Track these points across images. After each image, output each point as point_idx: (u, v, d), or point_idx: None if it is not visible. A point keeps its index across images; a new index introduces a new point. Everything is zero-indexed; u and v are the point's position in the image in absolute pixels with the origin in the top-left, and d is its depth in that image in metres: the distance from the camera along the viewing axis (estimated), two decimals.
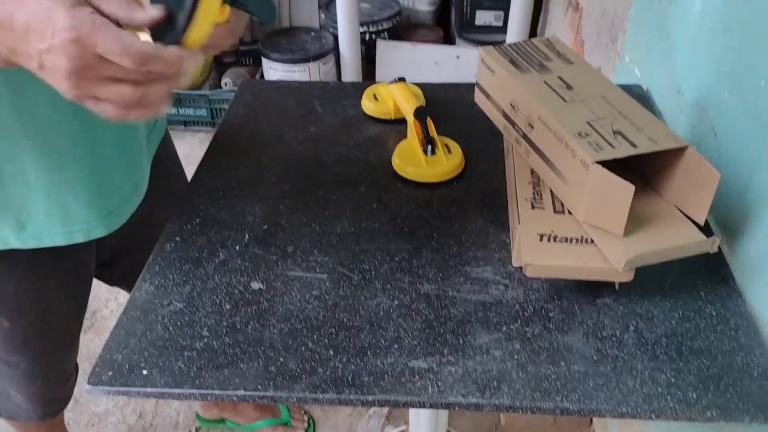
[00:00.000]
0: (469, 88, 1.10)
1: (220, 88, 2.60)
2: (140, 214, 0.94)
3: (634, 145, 0.69)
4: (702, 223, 0.71)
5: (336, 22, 2.42)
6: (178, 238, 0.82)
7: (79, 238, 0.85)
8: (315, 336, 0.69)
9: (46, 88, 0.67)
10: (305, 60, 2.52)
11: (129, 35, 0.50)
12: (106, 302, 1.92)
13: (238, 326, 0.70)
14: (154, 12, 0.51)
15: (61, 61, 0.50)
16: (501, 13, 2.60)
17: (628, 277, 0.68)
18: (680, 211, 0.73)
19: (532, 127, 0.78)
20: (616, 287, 0.73)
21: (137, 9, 0.51)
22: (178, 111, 2.56)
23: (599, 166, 0.65)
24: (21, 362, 0.95)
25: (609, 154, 0.67)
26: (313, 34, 2.68)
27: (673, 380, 0.63)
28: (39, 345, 0.96)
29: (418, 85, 1.10)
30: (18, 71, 0.57)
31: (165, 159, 1.03)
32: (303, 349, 0.67)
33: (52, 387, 1.04)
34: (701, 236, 0.69)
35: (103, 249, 0.97)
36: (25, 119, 0.73)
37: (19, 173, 0.78)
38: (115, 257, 1.00)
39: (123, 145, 0.87)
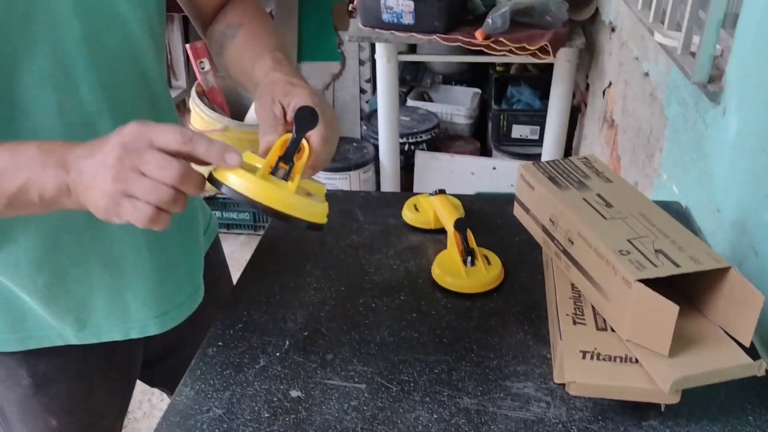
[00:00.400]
0: (508, 200, 1.13)
1: None
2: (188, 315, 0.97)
3: (676, 265, 0.69)
4: (747, 344, 0.69)
5: (377, 133, 2.52)
6: (220, 343, 0.83)
7: (134, 334, 0.88)
8: None
9: None
10: (346, 169, 2.61)
11: (178, 126, 0.57)
12: (140, 403, 1.91)
13: None
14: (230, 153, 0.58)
15: (115, 148, 0.56)
16: (537, 128, 2.67)
17: (675, 399, 0.67)
18: (724, 331, 0.72)
19: (572, 243, 0.79)
20: (662, 409, 0.71)
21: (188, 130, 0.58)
22: (221, 214, 2.65)
23: (642, 285, 0.66)
24: None
25: (651, 273, 0.67)
26: (354, 144, 2.79)
27: None
28: None
29: (457, 196, 1.13)
30: None
31: (214, 262, 1.06)
32: None
33: None
34: (747, 359, 0.67)
35: (149, 348, 0.98)
36: (97, 227, 0.78)
37: (84, 276, 0.82)
38: (160, 357, 1.01)
39: (186, 247, 0.91)
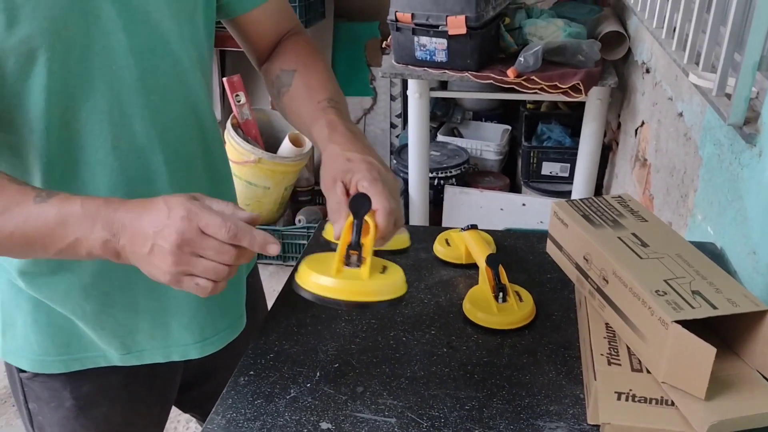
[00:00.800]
0: (539, 237, 1.13)
1: (294, 224, 2.71)
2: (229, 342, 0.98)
3: (714, 307, 0.68)
4: None
5: (407, 167, 2.54)
6: (252, 372, 0.83)
7: (176, 357, 0.90)
8: None
9: (156, 194, 0.75)
10: None
11: (226, 215, 0.62)
12: (176, 427, 1.92)
13: None
14: (254, 215, 0.64)
15: (171, 236, 0.61)
16: (567, 165, 2.67)
17: None
18: (762, 375, 0.70)
19: (607, 282, 0.79)
20: None
21: (238, 209, 0.64)
22: None
23: (679, 326, 0.65)
24: None
25: (689, 314, 0.67)
26: None
27: None
28: None
29: (489, 232, 1.13)
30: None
31: (252, 291, 1.07)
32: None
33: None
34: None
35: (185, 373, 1.00)
36: None
37: (131, 303, 0.84)
38: (195, 382, 1.02)
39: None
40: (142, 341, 0.87)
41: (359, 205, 0.65)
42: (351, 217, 0.66)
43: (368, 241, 0.66)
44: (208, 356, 0.93)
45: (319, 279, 0.64)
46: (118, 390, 0.89)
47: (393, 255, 0.73)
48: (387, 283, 0.65)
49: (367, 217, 0.67)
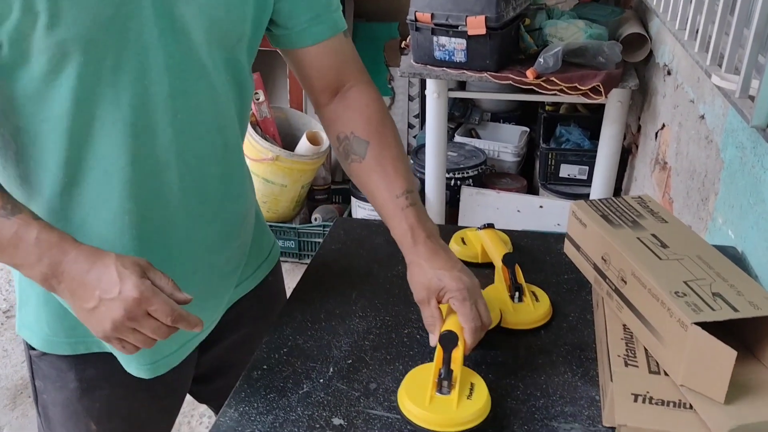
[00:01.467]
0: (557, 238, 1.12)
1: (310, 222, 2.71)
2: (242, 337, 0.98)
3: (734, 309, 0.67)
4: None
5: (423, 167, 2.53)
6: (265, 366, 0.83)
7: (162, 371, 0.90)
8: None
9: (165, 208, 0.75)
10: None
11: (172, 301, 0.70)
12: (179, 426, 1.93)
13: None
14: (188, 296, 0.72)
15: (118, 311, 0.68)
16: (585, 168, 2.65)
17: None
18: None
19: (625, 282, 0.78)
20: None
21: (177, 291, 0.71)
22: None
23: (699, 328, 0.64)
24: None
25: (709, 316, 0.65)
26: None
27: None
28: None
29: (506, 231, 1.12)
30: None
31: (272, 288, 1.07)
32: None
33: None
34: None
35: (201, 366, 1.00)
36: (153, 238, 0.81)
37: None
38: (212, 375, 1.02)
39: (223, 275, 0.93)
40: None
41: (448, 341, 0.74)
42: (441, 350, 0.74)
43: (457, 366, 0.74)
44: (224, 352, 0.93)
45: (414, 408, 0.72)
46: (122, 375, 0.89)
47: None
48: (473, 411, 0.71)
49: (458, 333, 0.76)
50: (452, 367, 0.74)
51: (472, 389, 0.73)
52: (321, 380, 0.81)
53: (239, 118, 0.88)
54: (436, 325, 0.80)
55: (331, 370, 0.83)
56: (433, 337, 0.80)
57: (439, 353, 0.74)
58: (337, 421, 0.75)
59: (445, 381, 0.73)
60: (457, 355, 0.74)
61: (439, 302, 0.81)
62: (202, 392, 1.07)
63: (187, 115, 0.78)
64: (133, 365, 0.88)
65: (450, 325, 0.78)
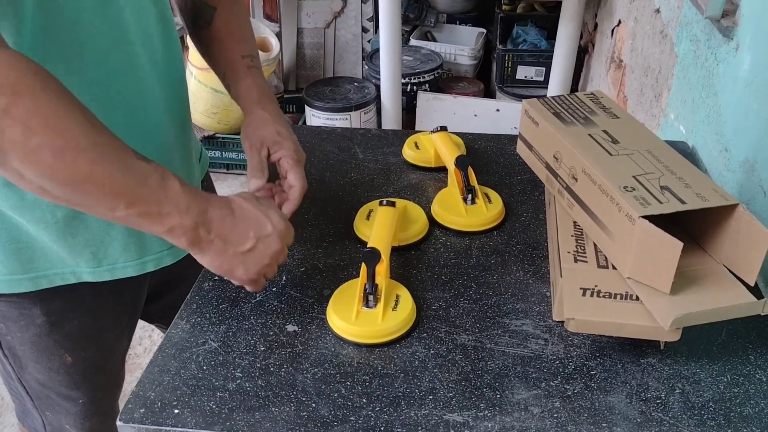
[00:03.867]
0: (510, 139, 1.10)
1: None
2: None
3: (682, 201, 0.67)
4: (752, 283, 0.68)
5: (379, 73, 2.47)
6: (216, 278, 0.82)
7: (150, 267, 0.87)
8: (348, 382, 0.67)
9: (125, 117, 0.71)
10: (347, 109, 2.56)
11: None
12: (140, 340, 1.93)
13: (272, 368, 0.69)
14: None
15: (275, 244, 0.71)
16: (542, 69, 2.62)
17: (675, 336, 0.66)
18: (729, 270, 0.70)
19: (576, 180, 0.77)
20: (662, 347, 0.71)
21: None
22: (221, 154, 2.62)
23: (646, 221, 0.64)
24: (80, 397, 0.96)
25: (656, 209, 0.65)
26: (355, 84, 2.73)
27: None
28: (98, 380, 0.97)
29: (459, 135, 1.10)
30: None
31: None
32: (335, 395, 0.66)
33: (105, 423, 1.04)
34: (751, 297, 0.66)
35: (151, 283, 0.98)
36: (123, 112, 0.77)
37: None
38: (160, 293, 1.01)
39: (188, 177, 0.90)
40: (115, 253, 0.83)
41: (371, 257, 0.74)
42: (365, 266, 0.75)
43: (381, 282, 0.75)
44: (172, 265, 0.91)
45: (340, 323, 0.73)
46: (89, 304, 0.87)
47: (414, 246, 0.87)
48: (398, 322, 0.73)
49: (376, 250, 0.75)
50: (377, 281, 0.75)
51: (397, 301, 0.75)
52: (274, 289, 0.80)
53: None
54: (263, 172, 0.80)
55: (284, 278, 0.82)
56: (254, 182, 0.80)
57: (363, 269, 0.75)
58: (291, 327, 0.75)
59: (370, 295, 0.74)
60: (381, 269, 0.75)
61: (267, 157, 0.82)
62: (152, 312, 1.05)
63: None
64: (120, 264, 0.86)
65: (374, 242, 0.78)
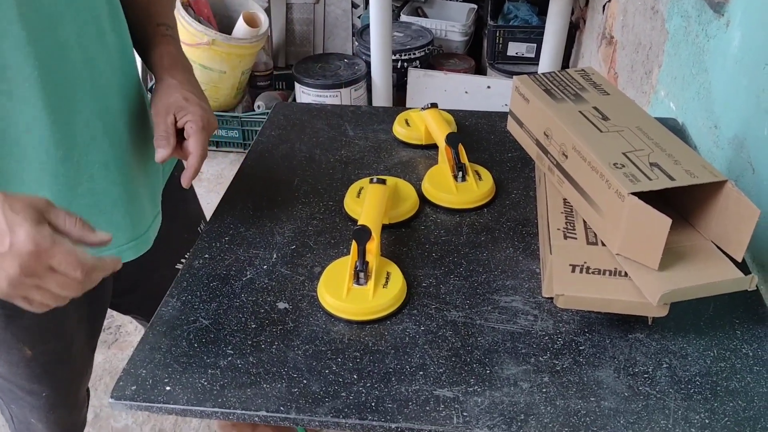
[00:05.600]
0: (501, 116, 1.10)
1: (253, 110, 2.63)
2: (161, 235, 0.93)
3: (671, 178, 0.67)
4: (740, 259, 0.69)
5: (369, 49, 2.45)
6: (206, 255, 0.82)
7: None
8: (339, 359, 0.68)
9: (85, 109, 0.68)
10: (337, 86, 2.54)
11: (81, 251, 0.58)
12: (131, 318, 1.93)
13: (263, 346, 0.69)
14: (104, 235, 0.61)
15: (12, 267, 0.56)
16: (533, 45, 2.60)
17: (663, 312, 0.66)
18: (717, 246, 0.71)
19: (566, 157, 0.77)
20: (650, 322, 0.71)
21: (89, 231, 0.60)
22: None
23: (635, 198, 0.64)
24: (43, 390, 0.94)
25: (645, 186, 0.66)
26: (346, 60, 2.71)
27: (707, 421, 0.61)
28: (60, 372, 0.95)
29: (450, 111, 1.10)
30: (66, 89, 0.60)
31: (179, 184, 1.03)
32: (327, 371, 0.66)
33: (72, 413, 1.03)
34: (739, 273, 0.67)
35: (119, 277, 0.96)
36: (65, 143, 0.75)
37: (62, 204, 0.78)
38: (131, 285, 0.98)
39: (146, 170, 0.88)
40: None
41: (362, 235, 0.74)
42: (356, 244, 0.75)
43: (372, 259, 0.75)
44: (140, 258, 0.89)
45: (332, 300, 0.73)
46: None
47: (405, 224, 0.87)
48: (388, 299, 0.73)
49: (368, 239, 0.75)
50: (367, 258, 0.75)
51: (388, 278, 0.76)
52: (264, 267, 0.80)
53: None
54: (169, 140, 0.77)
55: (275, 256, 0.82)
56: (162, 152, 0.76)
57: (354, 247, 0.75)
58: (281, 305, 0.75)
59: (361, 273, 0.74)
60: (371, 247, 0.75)
61: (174, 123, 0.78)
62: (123, 303, 1.03)
63: None
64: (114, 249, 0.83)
65: (364, 219, 0.78)
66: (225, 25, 2.46)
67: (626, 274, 0.68)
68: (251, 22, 2.41)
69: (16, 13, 0.66)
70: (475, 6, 2.92)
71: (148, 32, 0.85)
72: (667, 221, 0.63)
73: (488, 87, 2.55)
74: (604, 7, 1.96)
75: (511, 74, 2.62)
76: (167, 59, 0.83)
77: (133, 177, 0.84)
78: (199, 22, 2.32)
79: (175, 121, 0.78)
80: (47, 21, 0.69)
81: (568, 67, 2.50)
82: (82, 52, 0.73)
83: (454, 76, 2.59)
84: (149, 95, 0.87)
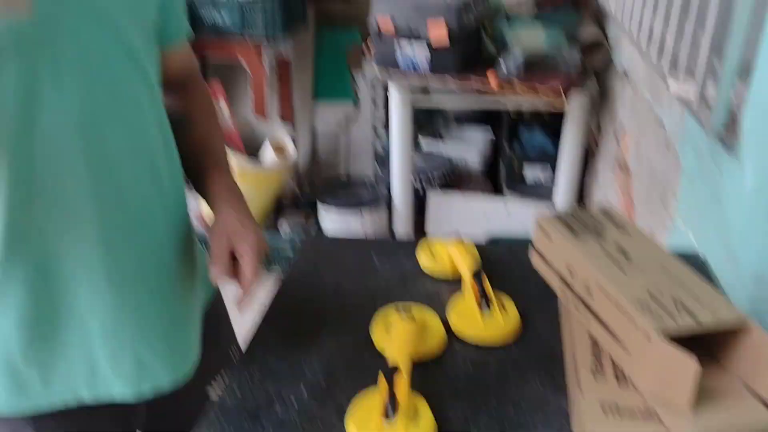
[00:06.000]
0: (523, 247, 1.13)
1: (276, 229, 2.70)
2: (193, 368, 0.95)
3: (697, 320, 0.69)
4: None
5: (390, 174, 2.54)
6: (236, 390, 0.82)
7: (148, 394, 0.88)
8: None
9: (138, 245, 0.74)
10: (359, 207, 2.62)
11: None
12: None
13: None
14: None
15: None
16: (550, 172, 2.68)
17: None
18: (747, 386, 0.71)
19: (591, 294, 0.79)
20: None
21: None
22: None
23: (662, 341, 0.65)
24: None
25: (672, 329, 0.67)
26: (367, 184, 2.81)
27: None
28: None
29: (472, 241, 1.13)
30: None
31: (214, 318, 1.06)
32: None
33: None
34: None
35: (150, 409, 0.97)
36: (117, 277, 0.79)
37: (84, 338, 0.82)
38: (158, 422, 0.99)
39: (190, 303, 0.93)
40: (110, 376, 0.85)
41: (392, 374, 0.77)
42: (385, 382, 0.77)
43: (401, 395, 0.76)
44: (171, 396, 0.90)
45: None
46: (82, 424, 0.87)
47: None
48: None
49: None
50: (396, 395, 0.76)
51: (417, 415, 0.76)
52: (294, 403, 0.81)
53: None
54: (223, 259, 0.84)
55: (305, 392, 0.82)
56: (215, 270, 0.84)
57: (383, 384, 0.77)
58: None
59: (390, 409, 0.75)
60: (401, 384, 0.77)
61: (229, 248, 0.86)
62: (154, 427, 1.03)
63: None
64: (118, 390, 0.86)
65: (393, 358, 0.80)
66: (250, 148, 2.58)
67: (658, 415, 0.68)
68: (279, 150, 2.53)
69: (82, 150, 0.72)
70: (491, 132, 3.04)
71: (204, 166, 0.95)
72: (696, 367, 0.64)
73: (506, 209, 2.62)
74: (617, 137, 2.04)
75: (529, 195, 2.69)
76: (225, 192, 0.93)
77: (177, 308, 0.87)
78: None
79: (231, 246, 0.85)
80: (110, 162, 0.76)
81: (585, 194, 2.57)
82: (138, 194, 0.80)
83: (473, 199, 2.67)
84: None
